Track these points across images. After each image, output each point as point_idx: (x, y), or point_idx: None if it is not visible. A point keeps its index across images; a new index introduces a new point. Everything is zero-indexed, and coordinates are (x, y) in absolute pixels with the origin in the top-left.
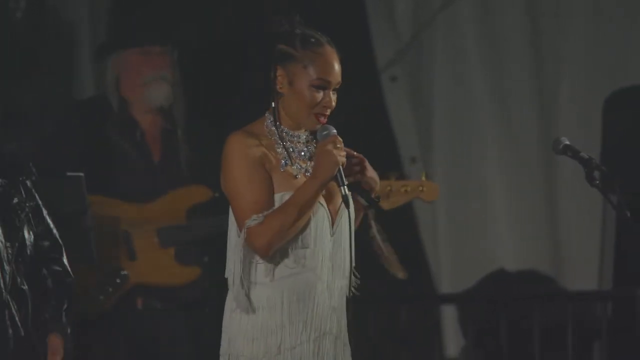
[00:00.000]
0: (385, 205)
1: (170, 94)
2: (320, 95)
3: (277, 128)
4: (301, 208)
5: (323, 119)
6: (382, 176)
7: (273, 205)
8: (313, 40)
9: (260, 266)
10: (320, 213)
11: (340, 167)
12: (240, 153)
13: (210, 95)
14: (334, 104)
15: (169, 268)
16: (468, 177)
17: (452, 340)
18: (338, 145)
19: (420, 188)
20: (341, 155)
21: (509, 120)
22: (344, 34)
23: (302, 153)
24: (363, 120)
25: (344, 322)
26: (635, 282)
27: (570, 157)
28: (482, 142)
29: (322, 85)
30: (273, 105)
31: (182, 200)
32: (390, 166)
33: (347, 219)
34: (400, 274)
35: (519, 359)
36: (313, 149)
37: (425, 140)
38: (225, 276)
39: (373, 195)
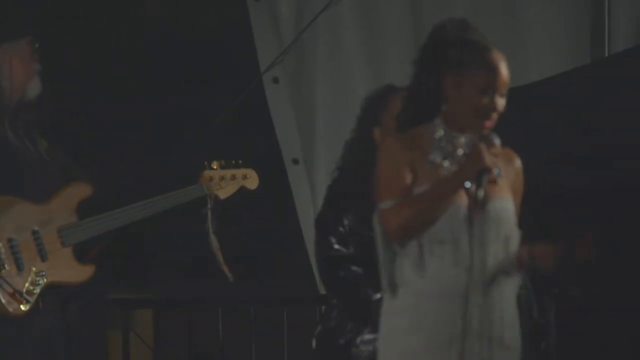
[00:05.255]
0: (221, 194)
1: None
2: (487, 99)
3: (447, 131)
4: (435, 198)
5: (489, 123)
6: (209, 166)
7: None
8: (481, 45)
9: (408, 266)
10: (455, 208)
11: (487, 172)
12: (386, 148)
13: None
14: (501, 108)
15: (73, 267)
16: None
17: None
18: (491, 150)
19: (245, 175)
20: (491, 160)
21: None
22: (227, 35)
23: (459, 154)
24: (245, 122)
25: (497, 321)
26: None
27: None
28: None
29: (489, 89)
30: (442, 109)
31: (71, 198)
32: (272, 168)
33: (494, 217)
34: (227, 274)
35: None
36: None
37: (307, 142)
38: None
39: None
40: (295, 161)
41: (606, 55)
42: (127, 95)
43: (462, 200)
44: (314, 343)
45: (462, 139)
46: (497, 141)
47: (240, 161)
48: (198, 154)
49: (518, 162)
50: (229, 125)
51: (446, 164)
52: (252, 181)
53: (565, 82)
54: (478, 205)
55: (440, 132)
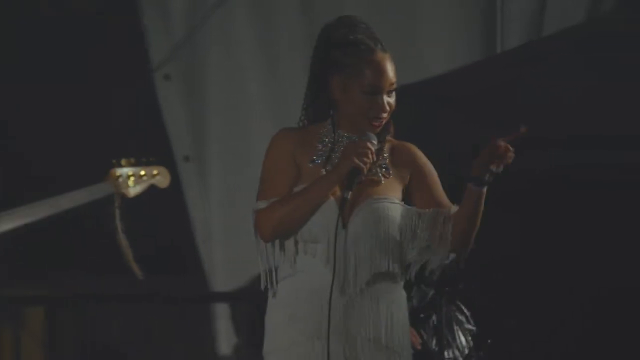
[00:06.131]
0: (129, 192)
1: None
2: (372, 100)
3: (333, 131)
4: (307, 199)
5: (377, 123)
6: (117, 164)
7: None
8: (363, 47)
9: (285, 263)
10: (328, 208)
11: (357, 171)
12: (273, 145)
13: None
14: (388, 107)
15: None
16: (243, 174)
17: (225, 338)
18: (360, 150)
19: (155, 174)
20: (362, 161)
21: (285, 118)
22: (118, 32)
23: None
24: (136, 119)
25: (368, 321)
26: None
27: None
28: (257, 139)
29: (374, 90)
30: (331, 112)
31: None
32: (163, 165)
33: (367, 217)
34: (136, 272)
35: None
36: None
37: (199, 139)
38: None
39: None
40: (186, 158)
41: (498, 51)
42: (28, 93)
43: (336, 200)
44: None
45: (345, 141)
46: (372, 140)
47: (151, 159)
48: (105, 152)
49: (416, 152)
50: (133, 122)
51: (328, 167)
52: (163, 179)
53: (459, 78)
54: (346, 206)
55: (327, 135)
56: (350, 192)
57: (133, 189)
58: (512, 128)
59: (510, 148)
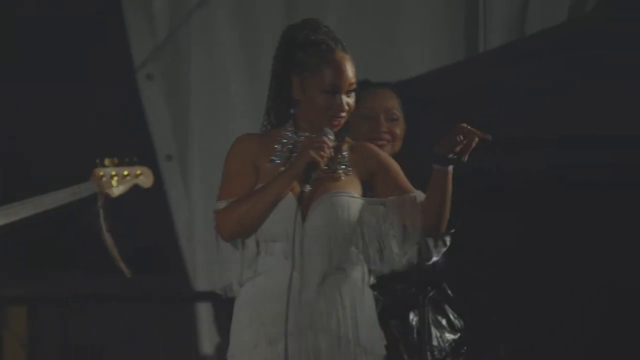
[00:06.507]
0: (113, 192)
1: None
2: (332, 100)
3: (295, 132)
4: (265, 195)
5: (337, 122)
6: (102, 163)
7: None
8: (324, 46)
9: (247, 265)
10: (286, 204)
11: (314, 166)
12: (233, 149)
13: None
14: (347, 107)
15: None
16: None
17: (207, 337)
18: (317, 145)
19: (138, 173)
20: (318, 155)
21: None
22: (100, 31)
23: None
24: (119, 118)
25: (340, 319)
26: None
27: None
28: None
29: (333, 90)
30: (292, 111)
31: None
32: (146, 164)
33: (326, 212)
34: (124, 270)
35: None
36: None
37: (181, 138)
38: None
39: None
40: (169, 157)
41: (480, 51)
42: (10, 93)
43: (295, 196)
44: None
45: (303, 140)
46: (328, 135)
47: (135, 159)
48: (88, 151)
49: (375, 149)
50: (116, 122)
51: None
52: (146, 179)
53: (440, 78)
54: (304, 200)
55: (286, 135)
56: (308, 186)
57: (116, 189)
58: (493, 128)
59: (474, 130)
